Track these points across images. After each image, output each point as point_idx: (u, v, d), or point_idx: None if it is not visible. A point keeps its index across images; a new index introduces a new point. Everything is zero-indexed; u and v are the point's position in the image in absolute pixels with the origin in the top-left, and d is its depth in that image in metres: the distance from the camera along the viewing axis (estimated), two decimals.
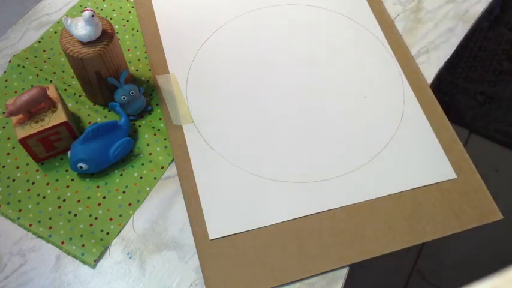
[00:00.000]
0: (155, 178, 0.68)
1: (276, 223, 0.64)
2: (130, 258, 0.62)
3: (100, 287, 0.60)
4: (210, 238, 0.63)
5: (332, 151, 0.71)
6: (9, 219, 0.65)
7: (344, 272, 0.61)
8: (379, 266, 1.30)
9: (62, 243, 0.63)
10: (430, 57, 0.81)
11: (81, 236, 0.63)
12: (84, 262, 0.62)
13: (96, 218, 0.65)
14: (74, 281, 0.61)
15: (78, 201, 0.66)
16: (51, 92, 0.67)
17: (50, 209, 0.65)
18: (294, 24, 0.85)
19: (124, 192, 0.67)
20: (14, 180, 0.67)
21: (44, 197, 0.66)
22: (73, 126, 0.68)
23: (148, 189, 0.67)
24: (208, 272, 0.60)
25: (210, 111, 0.74)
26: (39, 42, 0.81)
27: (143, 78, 0.78)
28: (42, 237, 0.63)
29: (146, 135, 0.72)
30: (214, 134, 0.72)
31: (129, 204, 0.66)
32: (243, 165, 0.69)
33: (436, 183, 0.68)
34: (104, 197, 0.66)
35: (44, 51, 0.80)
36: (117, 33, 0.82)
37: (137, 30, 0.83)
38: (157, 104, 0.75)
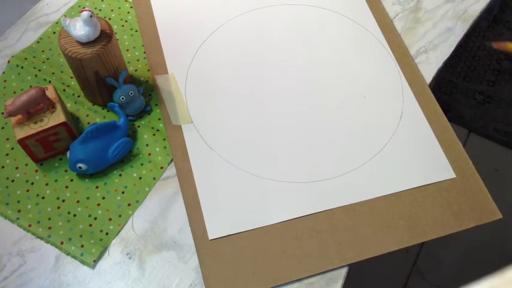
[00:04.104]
0: (154, 178, 0.68)
1: (275, 223, 0.64)
2: (129, 258, 0.62)
3: None
4: (210, 238, 0.63)
5: (331, 151, 0.71)
6: (9, 219, 0.65)
7: (343, 272, 0.61)
8: (378, 265, 1.30)
9: (61, 243, 0.63)
10: (429, 56, 0.81)
11: (81, 236, 0.63)
12: (83, 262, 0.62)
13: (95, 219, 0.65)
14: (74, 282, 0.61)
15: (78, 201, 0.66)
16: (50, 93, 0.67)
17: (49, 209, 0.65)
18: (292, 24, 0.85)
19: (123, 192, 0.67)
20: (13, 181, 0.67)
21: (43, 198, 0.66)
22: (72, 127, 0.68)
23: (147, 189, 0.67)
24: (208, 272, 0.60)
25: (209, 111, 0.74)
26: (38, 42, 0.81)
27: (142, 79, 0.78)
28: (41, 238, 0.63)
29: (145, 136, 0.72)
30: (213, 134, 0.72)
31: (129, 205, 0.66)
32: (242, 165, 0.69)
33: (435, 182, 0.68)
34: (103, 198, 0.66)
35: (43, 51, 0.80)
36: (115, 33, 0.82)
37: (136, 31, 0.83)
38: (156, 104, 0.75)
